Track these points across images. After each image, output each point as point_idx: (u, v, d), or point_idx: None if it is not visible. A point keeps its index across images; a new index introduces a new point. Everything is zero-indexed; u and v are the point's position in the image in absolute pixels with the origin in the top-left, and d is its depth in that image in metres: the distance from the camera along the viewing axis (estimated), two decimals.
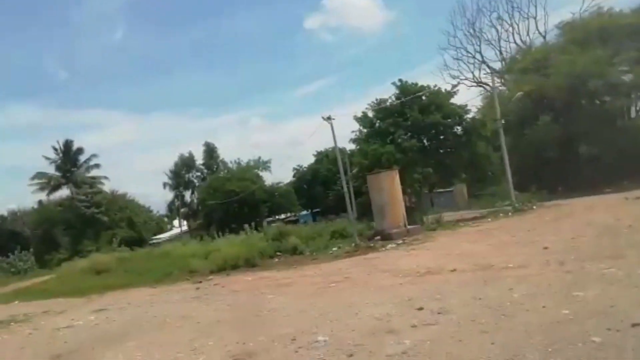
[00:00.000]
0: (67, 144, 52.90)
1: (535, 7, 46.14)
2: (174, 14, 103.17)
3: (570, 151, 33.44)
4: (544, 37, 44.46)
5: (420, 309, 7.49)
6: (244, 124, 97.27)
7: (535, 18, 46.32)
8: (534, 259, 10.14)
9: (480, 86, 47.97)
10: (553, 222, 16.92)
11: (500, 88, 37.34)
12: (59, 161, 52.87)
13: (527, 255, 10.88)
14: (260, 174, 49.07)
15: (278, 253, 19.72)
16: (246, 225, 25.79)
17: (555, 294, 7.17)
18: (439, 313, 7.09)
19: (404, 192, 23.39)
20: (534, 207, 23.49)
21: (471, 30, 49.66)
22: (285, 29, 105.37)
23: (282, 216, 48.88)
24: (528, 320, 6.12)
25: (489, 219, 21.36)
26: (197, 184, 55.90)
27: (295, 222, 43.41)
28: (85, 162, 53.77)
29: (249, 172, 47.37)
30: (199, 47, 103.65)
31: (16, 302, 19.54)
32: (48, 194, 53.11)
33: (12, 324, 12.88)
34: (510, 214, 22.44)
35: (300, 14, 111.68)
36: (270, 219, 46.18)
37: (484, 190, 33.73)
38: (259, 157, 51.67)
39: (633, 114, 35.67)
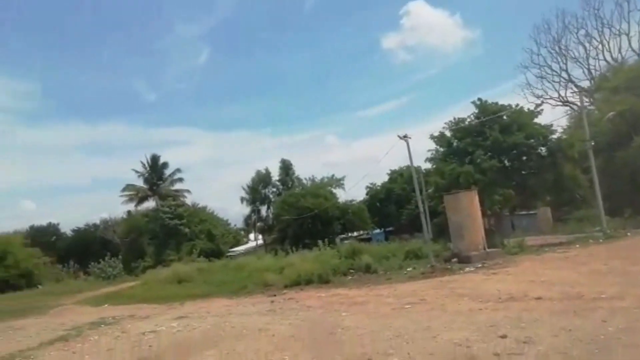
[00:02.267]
0: (154, 159, 56.67)
1: (628, 23, 43.16)
2: (253, 37, 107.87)
3: None
4: (638, 55, 41.42)
5: (504, 336, 7.16)
6: (320, 142, 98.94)
7: (627, 35, 43.32)
8: (630, 291, 9.37)
9: (566, 105, 45.41)
10: None
11: (588, 108, 35.15)
12: (147, 174, 56.66)
13: (621, 285, 10.07)
14: (334, 191, 49.41)
15: (351, 270, 19.64)
16: (319, 242, 25.96)
17: None
18: (524, 342, 6.74)
19: (484, 214, 22.54)
20: (628, 234, 21.70)
21: (556, 48, 47.33)
22: (363, 48, 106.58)
23: (355, 234, 48.74)
24: (627, 355, 5.66)
25: (577, 245, 19.96)
26: (272, 200, 57.24)
27: (368, 240, 43.09)
28: (169, 176, 57.31)
29: (323, 189, 47.79)
30: (276, 69, 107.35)
31: (106, 305, 20.97)
32: (136, 205, 57.08)
33: (102, 325, 13.86)
34: (600, 240, 20.85)
35: (378, 33, 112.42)
36: (343, 236, 46.20)
37: (570, 214, 31.72)
38: (333, 175, 52.15)
39: None
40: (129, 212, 57.89)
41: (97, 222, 61.97)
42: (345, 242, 32.90)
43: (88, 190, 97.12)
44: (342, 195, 48.78)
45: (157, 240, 49.84)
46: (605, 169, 28.33)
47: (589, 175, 24.79)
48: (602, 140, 30.55)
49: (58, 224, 65.72)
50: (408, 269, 18.60)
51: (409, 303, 11.43)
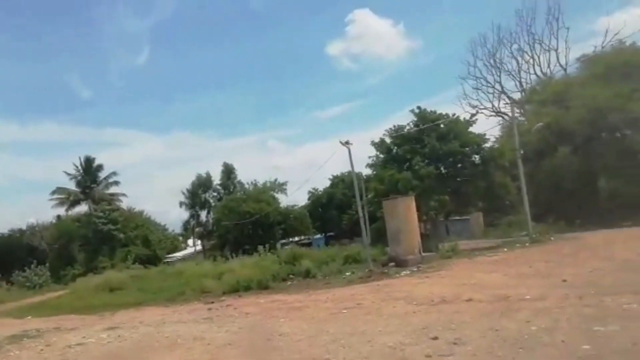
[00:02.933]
0: (88, 161, 53.85)
1: (557, 39, 46.19)
2: (195, 36, 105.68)
3: (589, 184, 32.92)
4: (565, 70, 44.33)
5: (435, 338, 7.37)
6: (263, 146, 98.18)
7: (556, 51, 46.33)
8: (552, 292, 9.94)
9: (499, 116, 47.85)
10: (571, 254, 16.57)
11: (519, 118, 37.17)
12: (79, 177, 53.76)
13: (545, 287, 10.66)
14: (276, 195, 49.26)
15: (291, 276, 19.61)
16: (260, 247, 25.74)
17: (575, 329, 7.01)
18: (454, 343, 6.96)
19: (420, 219, 23.21)
20: (552, 238, 23.08)
21: (491, 61, 49.82)
22: (307, 54, 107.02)
23: (296, 239, 48.77)
24: (547, 354, 5.98)
25: (505, 249, 21.00)
26: (213, 204, 56.21)
27: (309, 245, 43.22)
28: (104, 179, 54.65)
29: (265, 194, 47.54)
30: (219, 69, 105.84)
31: (29, 317, 19.72)
32: (67, 209, 53.92)
33: (24, 339, 12.95)
34: (527, 244, 22.05)
35: (322, 40, 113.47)
36: (284, 241, 46.10)
37: (500, 219, 33.31)
38: (275, 179, 52.04)
39: None
40: (58, 216, 54.69)
41: (24, 227, 57.99)
42: (286, 247, 32.83)
43: (13, 192, 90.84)
44: (284, 200, 48.79)
45: (89, 246, 47.53)
46: (532, 176, 30.00)
47: (518, 183, 26.14)
48: (530, 150, 32.40)
49: None
50: (347, 274, 18.80)
51: (346, 307, 11.53)
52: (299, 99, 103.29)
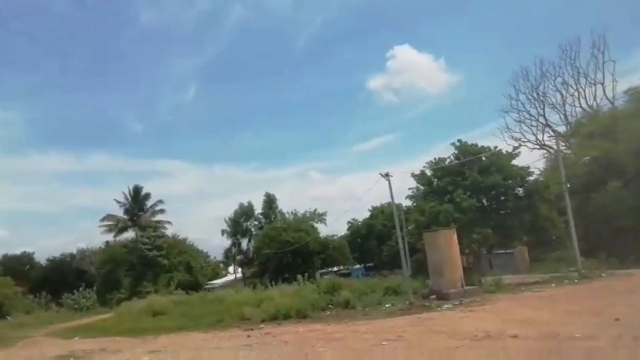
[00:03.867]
0: (136, 190, 56.01)
1: (603, 73, 44.94)
2: (240, 74, 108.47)
3: None
4: (612, 103, 42.93)
5: None
6: (304, 177, 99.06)
7: (602, 84, 45.05)
8: (605, 331, 9.48)
9: (543, 149, 46.63)
10: (625, 292, 15.74)
11: (564, 151, 36.18)
12: (128, 205, 55.85)
13: (596, 326, 10.19)
14: (316, 225, 49.39)
15: (330, 306, 19.50)
16: (299, 276, 25.76)
17: None
18: None
19: (462, 252, 22.74)
20: (603, 275, 22.04)
21: (534, 94, 48.97)
22: (349, 88, 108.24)
23: (335, 269, 48.48)
24: None
25: (553, 285, 20.20)
26: (254, 233, 56.84)
27: (348, 275, 42.84)
28: (151, 207, 56.54)
29: (305, 224, 47.75)
30: (263, 105, 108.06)
31: (76, 337, 20.33)
32: (115, 235, 55.86)
33: (71, 359, 13.40)
34: (575, 280, 21.13)
35: (364, 74, 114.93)
36: (323, 270, 45.88)
37: (546, 254, 32.06)
38: (315, 209, 52.24)
39: None
40: (107, 242, 56.71)
41: (74, 252, 60.39)
42: (325, 276, 32.67)
43: (67, 219, 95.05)
44: (324, 230, 48.84)
45: (134, 271, 48.79)
46: (580, 211, 28.94)
47: (565, 217, 25.30)
48: (578, 183, 31.34)
49: (33, 253, 63.84)
50: (386, 305, 18.55)
51: (386, 340, 11.35)
52: (340, 132, 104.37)
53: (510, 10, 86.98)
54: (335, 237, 48.36)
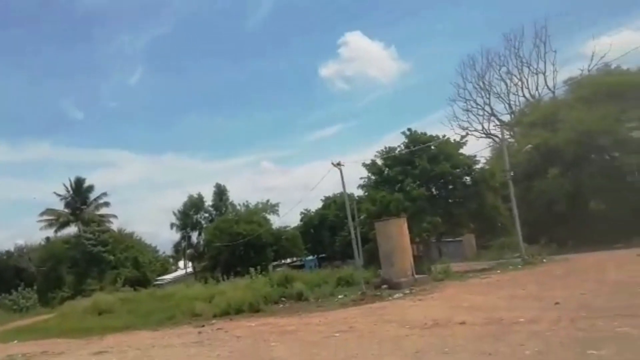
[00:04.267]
0: (78, 182, 53.51)
1: (545, 63, 47.10)
2: (188, 58, 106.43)
3: (579, 205, 33.15)
4: (553, 93, 44.98)
5: None
6: (255, 167, 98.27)
7: (544, 74, 47.19)
8: (545, 314, 9.89)
9: (489, 138, 48.44)
10: (564, 276, 16.57)
11: (509, 140, 37.58)
12: (69, 198, 53.32)
13: (538, 310, 10.61)
14: (268, 217, 49.14)
15: (283, 299, 19.42)
16: (252, 269, 25.52)
17: (568, 352, 6.97)
18: None
19: (412, 241, 23.18)
20: (544, 260, 23.11)
21: (481, 83, 50.59)
22: (300, 75, 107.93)
23: (288, 260, 48.47)
24: None
25: (498, 271, 20.99)
26: (204, 226, 55.83)
27: (301, 267, 43.02)
28: (95, 200, 54.25)
29: (257, 215, 47.41)
30: (212, 91, 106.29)
31: (15, 341, 19.32)
32: (56, 231, 53.25)
33: None
34: (519, 266, 22.06)
35: (315, 62, 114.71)
36: (276, 263, 45.77)
37: (492, 241, 33.33)
38: (267, 200, 51.92)
39: None
40: (47, 238, 54.02)
41: (11, 249, 57.11)
42: (278, 269, 32.58)
43: (2, 213, 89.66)
44: (276, 221, 48.66)
45: (77, 268, 46.86)
46: (523, 198, 30.15)
47: (509, 204, 26.28)
48: (521, 172, 32.65)
49: None
50: (339, 296, 18.66)
51: (339, 331, 11.41)
52: (292, 120, 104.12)
53: None
54: (288, 229, 48.27)
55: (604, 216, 31.25)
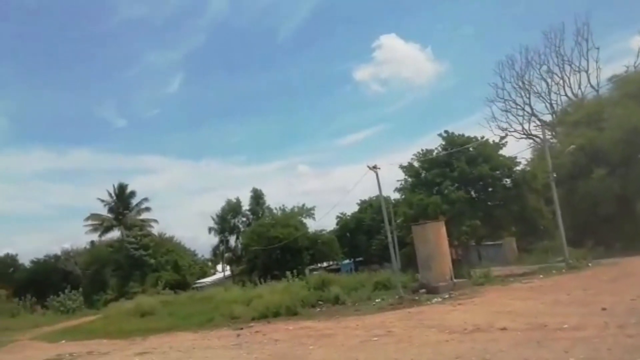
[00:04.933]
0: (121, 188, 55.26)
1: (587, 60, 45.47)
2: (224, 66, 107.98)
3: (627, 207, 31.76)
4: (597, 91, 43.34)
5: None
6: (291, 171, 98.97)
7: (587, 72, 45.55)
8: (592, 321, 9.54)
9: (530, 138, 47.07)
10: (611, 281, 15.91)
11: (551, 141, 36.46)
12: (113, 204, 55.10)
13: (583, 316, 10.24)
14: (304, 221, 49.26)
15: (320, 302, 19.45)
16: (288, 273, 25.65)
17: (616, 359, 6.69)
18: None
19: (451, 245, 22.81)
20: (589, 264, 22.26)
21: (520, 83, 49.29)
22: (335, 79, 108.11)
23: (324, 264, 48.46)
24: None
25: (541, 276, 20.35)
26: (242, 229, 56.52)
27: (337, 270, 42.90)
28: (136, 205, 55.85)
29: (293, 219, 47.62)
30: (248, 97, 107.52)
31: (63, 341, 20.05)
32: (100, 235, 55.10)
33: None
34: (563, 270, 21.33)
35: (350, 65, 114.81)
36: (313, 266, 45.83)
37: (534, 244, 32.34)
38: (303, 204, 52.06)
39: None
40: (92, 242, 55.94)
41: (58, 252, 59.47)
42: (315, 272, 32.67)
43: (50, 219, 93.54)
44: (312, 225, 48.73)
45: (120, 271, 48.30)
46: (567, 200, 29.18)
47: (552, 207, 25.47)
48: (564, 173, 31.56)
49: (16, 255, 62.82)
50: (376, 300, 18.53)
51: (376, 335, 11.34)
52: (327, 124, 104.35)
53: None
54: (324, 232, 48.30)
55: None
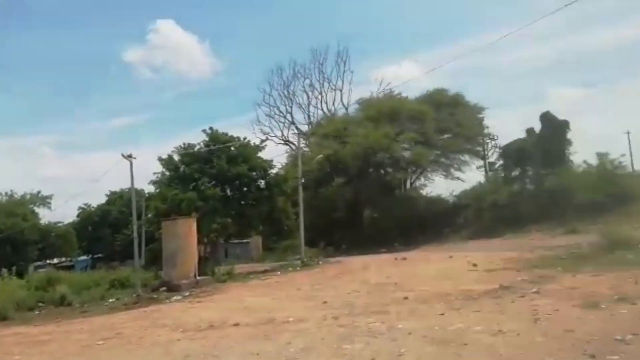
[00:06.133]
0: None
1: (342, 81, 51.60)
2: None
3: (356, 213, 37.18)
4: (346, 109, 49.61)
5: None
6: (31, 153, 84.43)
7: (341, 91, 51.72)
8: (313, 313, 10.47)
9: (287, 144, 50.62)
10: (334, 277, 18.00)
11: (304, 149, 39.91)
12: None
13: (307, 309, 11.21)
14: (37, 210, 42.78)
15: (40, 304, 16.91)
16: (4, 270, 21.51)
17: (328, 348, 7.40)
18: None
19: (200, 242, 22.62)
20: (320, 262, 24.87)
21: (285, 92, 52.85)
22: (100, 55, 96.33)
23: (55, 260, 42.92)
24: None
25: (279, 273, 21.81)
26: None
27: (71, 268, 38.40)
28: None
29: (23, 207, 40.84)
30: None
31: None
32: None
33: None
34: (298, 268, 23.33)
35: (121, 44, 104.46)
36: (40, 263, 40.05)
37: (278, 243, 34.84)
38: (39, 191, 45.10)
39: (408, 186, 41.81)
40: None
41: None
42: (42, 270, 28.39)
43: None
44: (47, 215, 42.65)
45: None
46: (310, 203, 32.30)
47: (297, 209, 27.78)
48: (311, 179, 35.08)
49: None
50: (110, 300, 17.22)
51: (103, 338, 10.36)
52: (85, 105, 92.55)
53: (280, 4, 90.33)
54: (60, 224, 42.73)
55: (374, 223, 35.69)
